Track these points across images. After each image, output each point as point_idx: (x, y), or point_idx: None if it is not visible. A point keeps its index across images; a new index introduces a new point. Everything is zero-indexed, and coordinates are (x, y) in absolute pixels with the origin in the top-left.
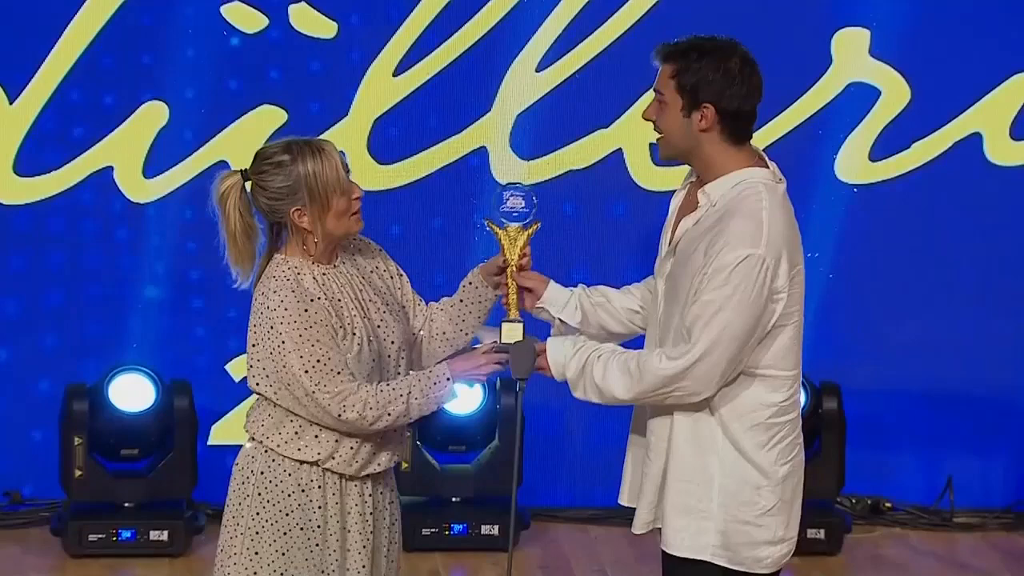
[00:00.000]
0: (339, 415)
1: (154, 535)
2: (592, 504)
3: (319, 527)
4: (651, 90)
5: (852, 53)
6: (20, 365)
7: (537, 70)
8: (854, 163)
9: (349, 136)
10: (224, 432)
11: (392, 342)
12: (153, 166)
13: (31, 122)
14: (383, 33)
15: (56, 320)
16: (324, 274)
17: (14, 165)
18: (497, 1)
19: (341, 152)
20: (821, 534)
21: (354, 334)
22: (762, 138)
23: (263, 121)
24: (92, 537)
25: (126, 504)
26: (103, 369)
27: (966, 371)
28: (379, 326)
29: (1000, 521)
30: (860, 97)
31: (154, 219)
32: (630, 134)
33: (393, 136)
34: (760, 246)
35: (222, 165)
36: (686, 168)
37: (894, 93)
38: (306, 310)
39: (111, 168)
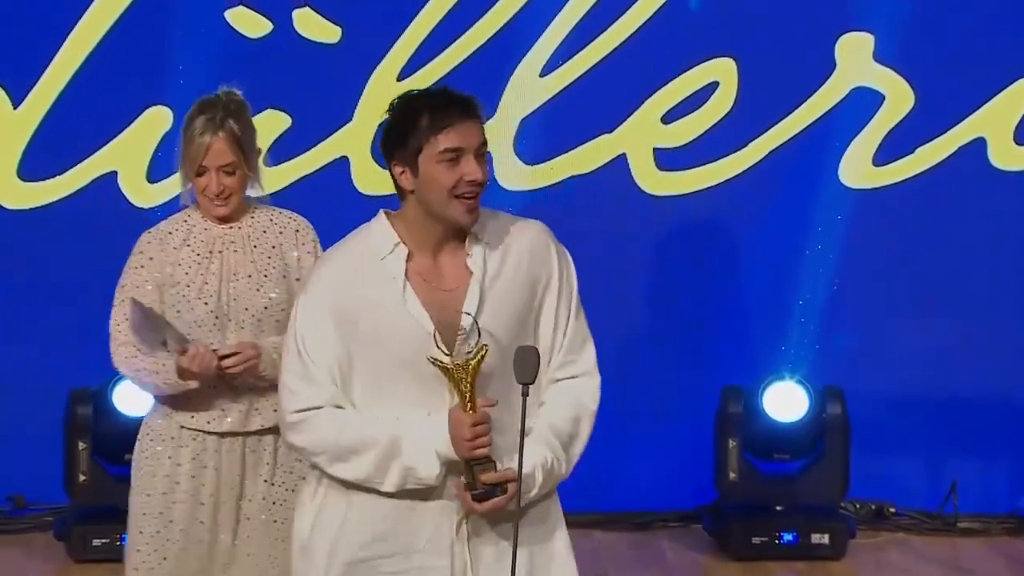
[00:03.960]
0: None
1: None
2: (595, 509)
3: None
4: (478, 145)
5: (856, 58)
6: (23, 369)
7: (541, 75)
8: (858, 168)
9: (354, 141)
10: None
11: (246, 308)
12: (157, 171)
13: (35, 127)
14: (387, 37)
15: (60, 324)
16: (207, 230)
17: (18, 170)
18: (502, 5)
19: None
20: (825, 539)
21: (202, 287)
22: (765, 143)
23: (267, 126)
24: (96, 542)
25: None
26: (107, 373)
27: (971, 376)
28: (237, 294)
29: (1004, 526)
30: (864, 102)
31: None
32: (634, 139)
33: None
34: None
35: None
36: (692, 175)
37: (898, 98)
38: (137, 263)
39: (115, 173)
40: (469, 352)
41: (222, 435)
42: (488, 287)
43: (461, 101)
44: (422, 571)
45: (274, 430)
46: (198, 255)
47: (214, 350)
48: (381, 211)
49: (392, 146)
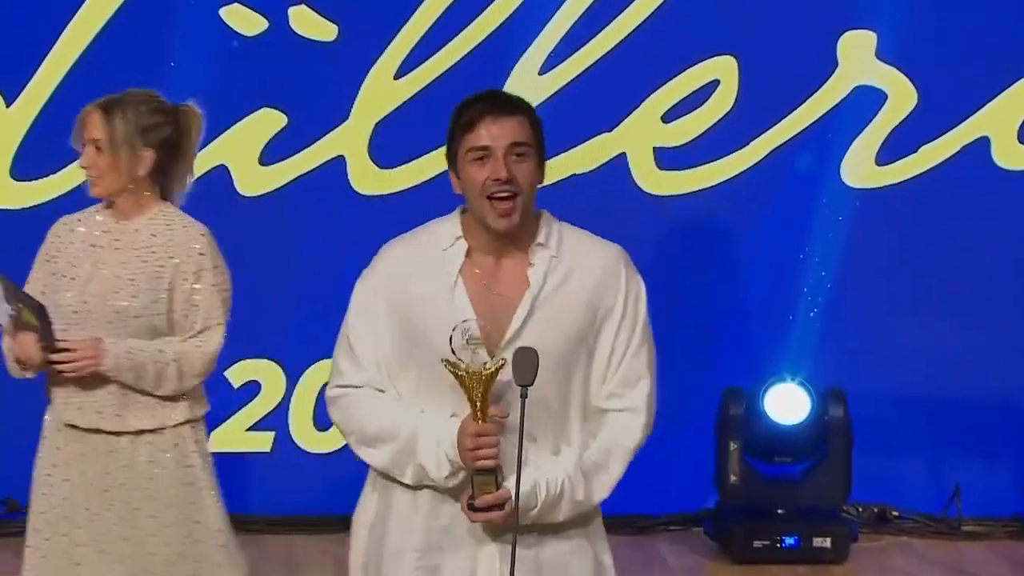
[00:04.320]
0: None
1: None
2: None
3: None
4: (508, 144)
5: (858, 56)
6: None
7: (540, 73)
8: (860, 167)
9: (350, 140)
10: (224, 439)
11: (101, 308)
12: None
13: (28, 126)
14: (384, 35)
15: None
16: (102, 222)
17: (11, 169)
18: (501, 2)
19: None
20: (827, 543)
21: (73, 279)
22: (767, 142)
23: (263, 125)
24: None
25: None
26: None
27: (975, 377)
28: (96, 292)
29: (1008, 529)
30: (866, 101)
31: None
32: (634, 138)
33: (395, 140)
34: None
35: (221, 169)
36: (692, 174)
37: (901, 96)
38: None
39: None
40: (486, 362)
41: (85, 431)
42: (542, 302)
43: (492, 98)
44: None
45: (138, 432)
46: (84, 245)
47: (56, 341)
48: (459, 207)
49: (446, 151)
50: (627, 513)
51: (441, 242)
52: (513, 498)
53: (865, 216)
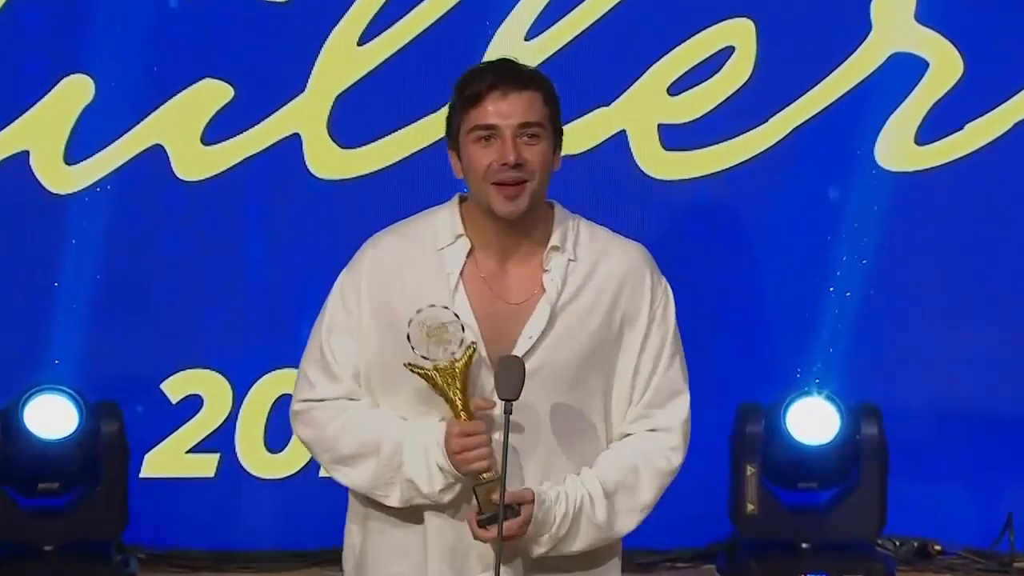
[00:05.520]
0: None
1: None
2: None
3: None
4: (518, 124)
5: (895, 19)
6: None
7: (526, 38)
8: (897, 148)
9: (306, 115)
10: (159, 463)
11: None
12: (76, 151)
13: None
14: None
15: None
16: None
17: None
18: None
19: None
20: None
21: None
22: (788, 119)
23: (206, 97)
24: None
25: (45, 547)
26: (16, 389)
27: None
28: None
29: None
30: (904, 70)
31: (77, 213)
32: (635, 114)
33: (358, 116)
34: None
35: (157, 150)
36: (702, 155)
37: (944, 66)
38: None
39: (26, 153)
40: (454, 352)
41: None
42: (560, 310)
43: (502, 69)
44: None
45: None
46: None
47: None
48: (457, 195)
49: (446, 128)
50: (627, 547)
51: (439, 238)
52: (499, 529)
53: (902, 204)
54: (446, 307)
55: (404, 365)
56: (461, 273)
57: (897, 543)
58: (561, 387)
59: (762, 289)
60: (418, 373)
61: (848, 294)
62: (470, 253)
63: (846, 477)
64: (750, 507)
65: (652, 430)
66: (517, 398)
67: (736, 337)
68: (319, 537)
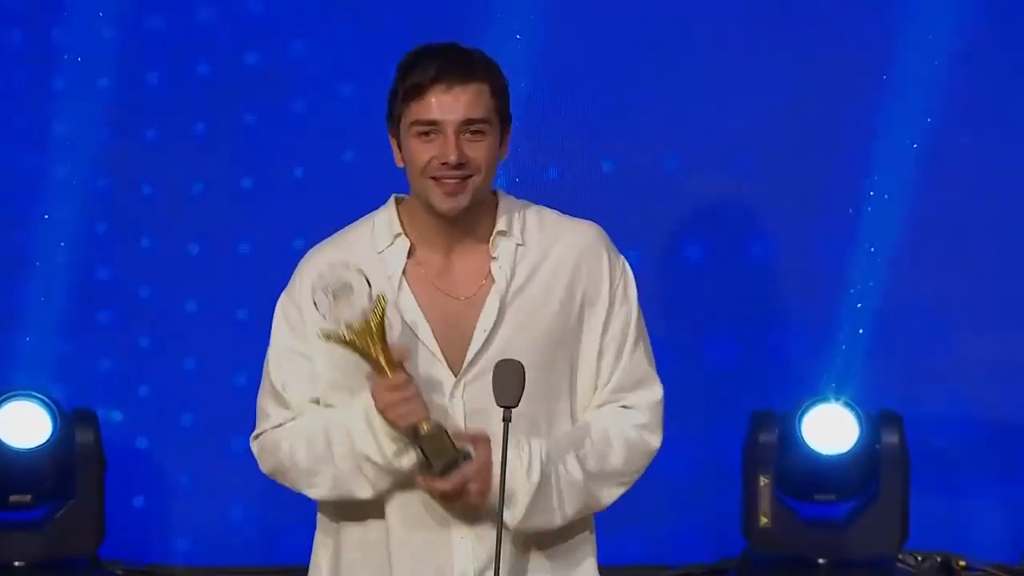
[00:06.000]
0: None
1: None
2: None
3: None
4: (461, 120)
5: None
6: None
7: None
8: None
9: None
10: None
11: None
12: None
13: None
14: None
15: None
16: None
17: None
18: None
19: None
20: None
21: None
22: (793, 84)
23: None
24: None
25: (16, 563)
26: None
27: None
28: None
29: None
30: None
31: (52, 201)
32: None
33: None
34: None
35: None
36: None
37: None
38: None
39: None
40: (364, 309)
41: None
42: (512, 299)
43: (447, 61)
44: None
45: None
46: None
47: None
48: (393, 195)
49: (387, 112)
50: (632, 563)
51: (377, 242)
52: (497, 536)
53: (930, 187)
54: (346, 265)
55: (318, 335)
56: (404, 273)
57: (919, 558)
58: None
59: (775, 287)
60: (336, 341)
61: (868, 292)
62: (412, 253)
63: (865, 488)
64: (763, 520)
65: (622, 407)
66: (516, 405)
67: (747, 339)
68: (301, 546)
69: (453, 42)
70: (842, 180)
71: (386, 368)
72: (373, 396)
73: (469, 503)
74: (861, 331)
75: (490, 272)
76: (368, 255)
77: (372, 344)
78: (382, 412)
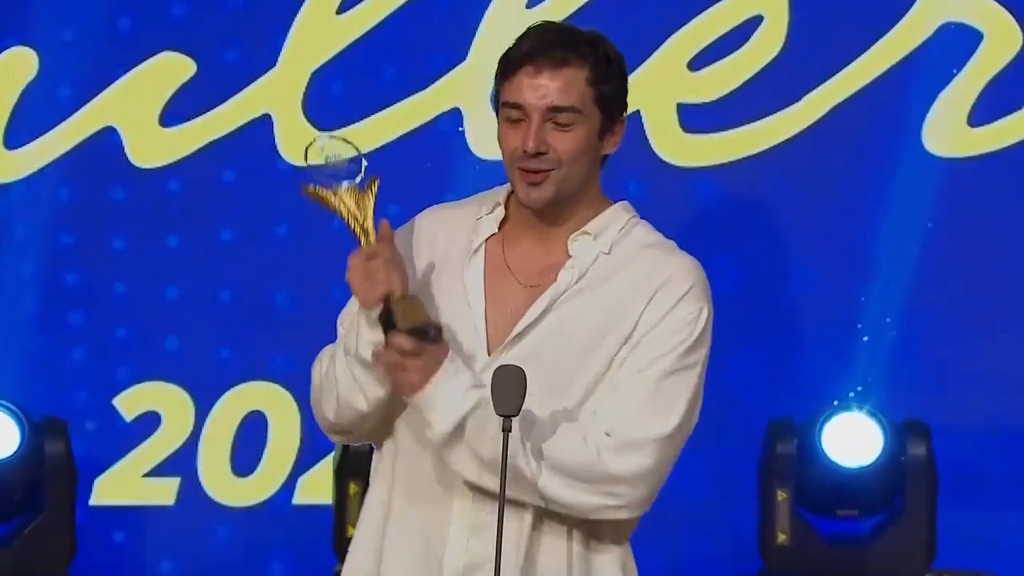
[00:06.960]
0: None
1: None
2: None
3: None
4: (547, 108)
5: None
6: None
7: (528, 6)
8: (948, 130)
9: (279, 93)
10: (112, 488)
11: None
12: (18, 134)
13: None
14: None
15: None
16: None
17: None
18: None
19: None
20: None
21: None
22: (824, 98)
23: (164, 74)
24: None
25: None
26: None
27: None
28: None
29: None
30: (956, 42)
31: (20, 203)
32: (651, 91)
33: (337, 93)
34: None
35: (109, 133)
36: (727, 139)
37: (1001, 37)
38: None
39: None
40: (355, 180)
41: None
42: (563, 302)
43: (542, 41)
44: None
45: None
46: None
47: None
48: None
49: (493, 90)
50: None
51: (481, 208)
52: (495, 561)
53: (953, 194)
54: (347, 140)
55: (305, 193)
56: (486, 241)
57: None
58: (546, 381)
59: (794, 292)
60: (327, 206)
61: (893, 294)
62: (502, 225)
63: (890, 503)
64: (781, 537)
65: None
66: (517, 414)
67: (765, 345)
68: (292, 571)
69: (555, 22)
70: (862, 183)
71: (367, 236)
72: (352, 269)
73: (409, 380)
74: (874, 332)
75: (561, 268)
76: (470, 219)
77: (366, 208)
78: (356, 285)
